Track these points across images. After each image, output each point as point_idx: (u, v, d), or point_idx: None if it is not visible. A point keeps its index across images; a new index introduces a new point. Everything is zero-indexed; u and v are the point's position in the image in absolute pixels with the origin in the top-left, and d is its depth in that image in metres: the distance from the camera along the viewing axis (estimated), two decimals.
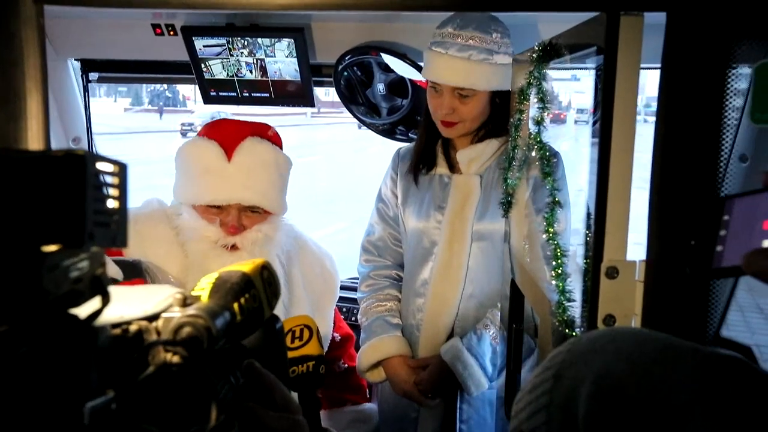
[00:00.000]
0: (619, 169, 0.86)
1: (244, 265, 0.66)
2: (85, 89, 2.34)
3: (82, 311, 0.47)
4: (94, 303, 0.49)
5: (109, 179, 0.49)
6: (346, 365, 1.79)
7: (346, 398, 1.78)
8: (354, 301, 2.25)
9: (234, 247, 1.47)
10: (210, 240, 1.46)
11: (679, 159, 0.79)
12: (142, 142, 18.43)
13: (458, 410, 1.70)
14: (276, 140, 1.58)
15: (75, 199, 0.45)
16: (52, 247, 0.45)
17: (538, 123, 1.16)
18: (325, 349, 1.68)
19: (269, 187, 1.50)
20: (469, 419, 1.70)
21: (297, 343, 0.96)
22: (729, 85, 0.78)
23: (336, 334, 1.74)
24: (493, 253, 1.67)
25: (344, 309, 2.34)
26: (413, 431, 1.77)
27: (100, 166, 0.48)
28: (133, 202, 1.53)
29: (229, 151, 1.48)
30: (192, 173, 1.49)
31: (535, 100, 1.18)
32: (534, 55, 1.15)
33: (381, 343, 1.76)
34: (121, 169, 0.50)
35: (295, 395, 0.94)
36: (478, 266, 1.70)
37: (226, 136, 1.50)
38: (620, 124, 0.85)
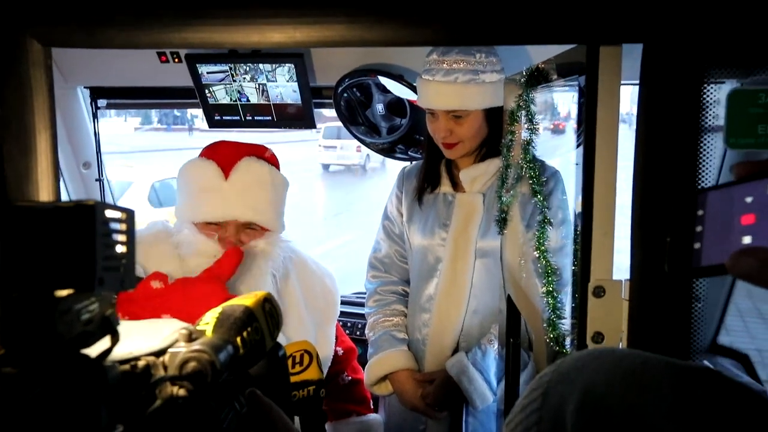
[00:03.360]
0: (603, 192, 0.88)
1: (247, 298, 0.69)
2: (94, 115, 2.38)
3: (93, 350, 0.50)
4: (104, 342, 0.51)
5: (117, 226, 0.51)
6: (350, 377, 1.81)
7: (350, 409, 1.79)
8: (359, 316, 2.27)
9: None
10: (208, 254, 1.48)
11: (658, 182, 0.81)
12: (152, 160, 18.50)
13: (464, 423, 1.72)
14: (273, 161, 1.61)
15: (85, 247, 0.47)
16: (64, 292, 0.47)
17: (528, 144, 1.19)
18: (327, 367, 1.70)
19: (265, 205, 1.53)
20: (475, 431, 1.72)
21: (297, 368, 0.98)
22: (703, 108, 0.80)
23: (339, 348, 1.76)
24: (496, 270, 1.69)
25: (348, 324, 2.36)
26: None
27: (109, 213, 0.50)
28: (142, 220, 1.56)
29: (226, 171, 1.52)
30: (191, 192, 1.52)
31: (525, 121, 1.20)
32: (522, 79, 1.18)
33: (388, 358, 1.78)
34: (129, 216, 0.53)
35: (297, 420, 0.96)
36: (482, 282, 1.72)
37: (223, 156, 1.54)
38: (603, 149, 0.87)
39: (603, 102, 0.87)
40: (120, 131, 25.70)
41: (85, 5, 0.83)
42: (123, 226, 0.52)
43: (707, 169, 0.79)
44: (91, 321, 0.50)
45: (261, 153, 1.59)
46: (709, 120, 0.78)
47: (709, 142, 0.79)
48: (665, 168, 0.81)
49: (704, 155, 0.81)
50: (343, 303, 2.44)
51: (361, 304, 2.30)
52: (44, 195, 0.82)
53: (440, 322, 1.74)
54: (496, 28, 0.79)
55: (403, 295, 1.90)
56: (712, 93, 0.79)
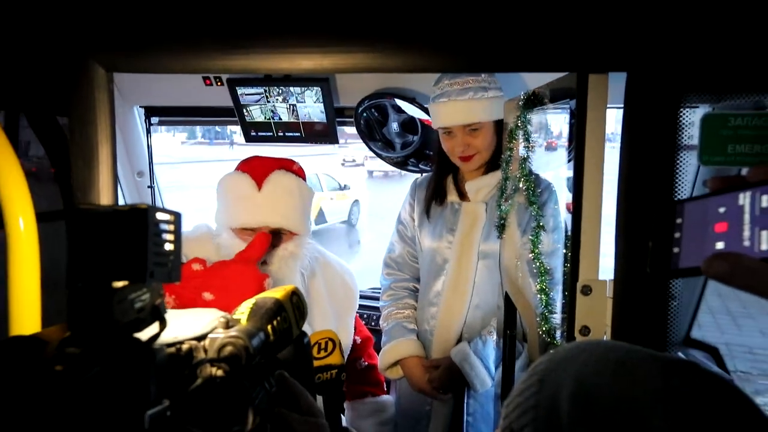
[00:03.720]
0: (590, 203, 0.88)
1: (277, 291, 0.69)
2: (148, 131, 2.41)
3: (144, 334, 0.51)
4: (154, 327, 0.52)
5: (166, 227, 0.52)
6: (366, 363, 1.82)
7: (366, 391, 1.80)
8: (375, 308, 2.27)
9: (264, 263, 1.50)
10: None
11: (639, 193, 0.81)
12: (196, 169, 18.68)
13: (466, 404, 1.71)
14: (300, 173, 1.63)
15: (139, 245, 0.48)
16: (120, 283, 0.48)
17: (525, 159, 1.18)
18: (347, 353, 1.70)
19: (293, 212, 1.55)
20: (474, 412, 1.71)
21: (322, 353, 0.98)
22: (679, 129, 0.80)
23: (357, 337, 1.77)
24: (496, 270, 1.68)
25: (365, 315, 2.36)
26: (427, 422, 1.79)
27: (159, 216, 0.51)
28: (186, 224, 1.58)
29: (259, 182, 1.53)
30: (229, 200, 1.54)
31: (522, 140, 1.20)
32: (520, 102, 1.17)
33: (399, 346, 1.79)
34: (176, 218, 0.54)
35: (320, 399, 0.96)
36: (484, 281, 1.71)
37: (256, 169, 1.56)
38: (590, 166, 0.87)
39: (591, 124, 0.87)
40: (169, 144, 25.97)
41: (143, 36, 0.85)
42: (171, 227, 0.52)
43: (683, 182, 0.78)
44: (143, 309, 0.50)
45: (289, 166, 1.60)
46: (685, 139, 0.77)
47: (684, 158, 0.78)
48: (646, 181, 0.80)
49: (680, 170, 0.80)
50: (360, 297, 2.45)
51: (377, 298, 2.31)
52: (104, 200, 0.84)
53: (446, 315, 1.74)
54: (498, 56, 0.80)
55: (413, 291, 1.90)
56: (687, 116, 0.79)
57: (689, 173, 0.78)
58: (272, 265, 1.50)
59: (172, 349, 0.55)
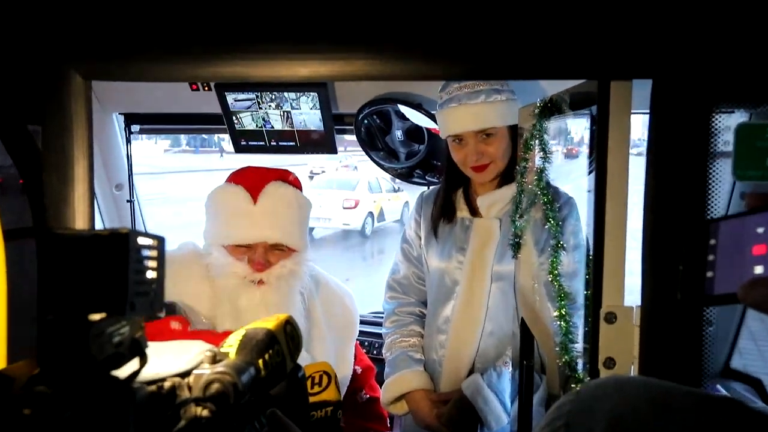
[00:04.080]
0: (614, 221, 0.88)
1: (269, 321, 0.69)
2: (128, 140, 2.43)
3: (123, 372, 0.51)
4: (133, 364, 0.52)
5: (148, 252, 0.52)
6: (368, 396, 1.80)
7: (368, 427, 1.78)
8: (376, 335, 2.26)
9: (261, 282, 1.50)
10: (238, 276, 1.50)
11: (668, 211, 0.81)
12: (181, 180, 18.76)
13: None
14: (296, 184, 1.64)
15: (118, 274, 0.49)
16: (97, 316, 0.48)
17: (542, 171, 1.19)
18: (347, 384, 1.69)
19: (292, 226, 1.55)
20: None
21: (316, 389, 0.98)
22: (711, 139, 0.80)
23: (357, 367, 1.76)
24: (512, 293, 1.67)
25: (366, 343, 2.36)
26: None
27: (141, 241, 0.51)
28: (172, 239, 1.59)
29: (254, 195, 1.54)
30: (222, 216, 1.54)
31: (539, 150, 1.21)
32: (536, 110, 1.18)
33: (404, 377, 1.77)
34: (160, 243, 0.54)
35: None
36: (498, 305, 1.70)
37: (251, 181, 1.57)
38: (613, 181, 0.87)
39: (614, 135, 0.87)
40: (150, 153, 26.11)
41: (123, 41, 0.86)
42: (154, 253, 0.53)
43: (716, 198, 0.78)
44: (121, 343, 0.50)
45: (285, 177, 1.61)
46: (718, 152, 0.78)
47: (717, 173, 0.78)
48: (675, 197, 0.81)
49: (713, 185, 0.81)
50: (360, 323, 2.44)
51: (379, 324, 2.30)
52: (80, 220, 0.84)
53: (456, 343, 1.73)
54: (510, 63, 0.80)
55: (420, 317, 1.89)
56: (720, 126, 0.79)
57: (723, 189, 0.78)
58: (270, 284, 1.51)
59: (153, 387, 0.55)
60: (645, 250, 0.82)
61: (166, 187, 16.16)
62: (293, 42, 0.82)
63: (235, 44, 0.82)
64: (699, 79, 0.77)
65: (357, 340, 1.79)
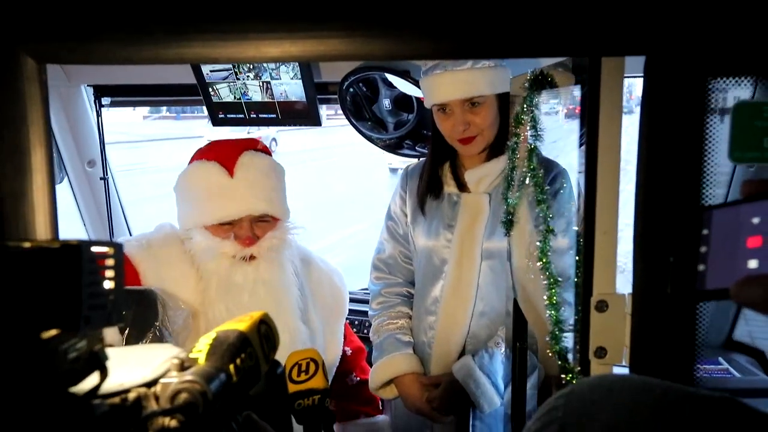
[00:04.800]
0: (605, 205, 0.87)
1: (241, 322, 0.69)
2: (98, 113, 2.40)
3: (81, 387, 0.50)
4: (94, 377, 0.52)
5: (104, 262, 0.51)
6: (358, 378, 1.82)
7: (359, 410, 1.80)
8: (366, 313, 2.27)
9: (252, 257, 1.50)
10: (228, 255, 1.50)
11: (660, 197, 0.80)
12: (162, 148, 18.61)
13: (471, 427, 1.71)
14: (267, 151, 1.63)
15: (71, 288, 0.48)
16: (51, 333, 0.48)
17: (532, 151, 1.18)
18: (336, 364, 1.70)
19: (273, 195, 1.55)
20: None
21: (303, 376, 0.98)
22: (708, 121, 0.79)
23: (347, 348, 1.77)
24: (503, 271, 1.67)
25: (356, 322, 2.36)
26: None
27: (96, 250, 0.51)
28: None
29: (230, 168, 1.53)
30: (199, 196, 1.53)
31: (530, 128, 1.19)
32: (527, 83, 1.17)
33: (393, 361, 1.78)
34: (117, 250, 0.53)
35: (300, 428, 0.96)
36: (488, 284, 1.71)
37: (223, 155, 1.55)
38: (605, 161, 0.86)
39: (605, 112, 0.86)
40: (128, 120, 25.82)
41: (79, 21, 0.83)
42: (111, 261, 0.52)
43: (712, 184, 0.78)
44: (78, 359, 0.50)
45: (255, 146, 1.60)
46: (715, 132, 0.77)
47: (713, 154, 0.77)
48: (668, 182, 0.80)
49: (708, 169, 0.80)
50: (351, 300, 2.45)
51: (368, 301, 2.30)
52: (40, 214, 0.83)
53: (446, 324, 1.74)
54: (497, 41, 0.78)
55: (407, 297, 1.89)
56: (716, 105, 0.78)
57: (720, 173, 0.78)
58: (261, 258, 1.51)
59: (117, 400, 0.55)
60: (636, 235, 0.82)
61: (147, 157, 16.04)
62: (262, 20, 0.80)
63: (198, 24, 0.79)
64: (695, 55, 0.76)
65: (347, 319, 1.80)
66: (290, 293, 1.56)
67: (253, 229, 1.52)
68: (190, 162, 1.59)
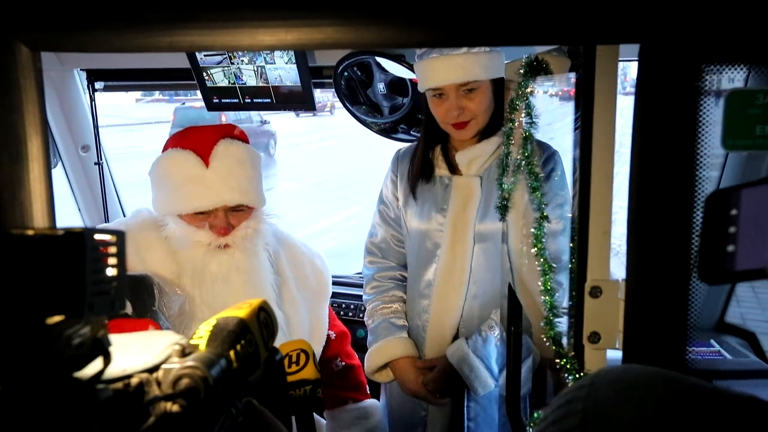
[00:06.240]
0: (600, 190, 0.89)
1: (241, 309, 0.70)
2: (92, 98, 2.39)
3: (85, 372, 0.52)
4: (98, 363, 0.53)
5: (107, 249, 0.52)
6: (344, 363, 1.80)
7: (346, 396, 1.79)
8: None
9: (227, 246, 1.51)
10: (203, 244, 1.50)
11: (654, 185, 0.81)
12: (155, 132, 18.50)
13: (466, 408, 1.74)
14: (244, 137, 1.62)
15: (75, 275, 0.49)
16: (55, 319, 0.49)
17: (526, 138, 1.18)
18: (320, 350, 1.71)
19: (249, 184, 1.55)
20: (476, 417, 1.74)
21: (294, 368, 0.99)
22: (702, 107, 0.80)
23: (331, 332, 1.77)
24: (496, 254, 1.69)
25: (352, 306, 2.38)
26: (422, 430, 1.82)
27: (99, 237, 0.52)
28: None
29: (205, 158, 1.52)
30: (174, 184, 1.52)
31: (525, 115, 1.20)
32: (521, 69, 1.17)
33: (388, 345, 1.80)
34: (119, 238, 0.54)
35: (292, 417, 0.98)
36: (481, 267, 1.72)
37: (198, 143, 1.54)
38: (599, 145, 0.87)
39: (600, 100, 0.87)
40: (121, 103, 25.64)
41: (73, 10, 0.84)
42: (113, 249, 0.53)
43: (705, 168, 0.79)
44: (82, 345, 0.51)
45: (232, 133, 1.59)
46: (708, 119, 0.78)
47: (707, 141, 0.79)
48: (662, 169, 0.81)
49: (702, 154, 0.81)
50: (345, 284, 2.46)
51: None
52: (37, 203, 0.83)
53: (440, 308, 1.75)
54: (489, 30, 0.79)
55: (401, 281, 1.90)
56: (711, 91, 0.79)
57: (715, 156, 0.79)
58: (236, 247, 1.51)
59: (119, 385, 0.56)
60: (630, 221, 0.83)
61: (140, 140, 15.95)
62: (257, 8, 0.81)
63: (192, 12, 0.80)
64: (690, 42, 0.76)
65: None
66: (265, 281, 1.56)
67: (228, 218, 1.53)
68: (165, 148, 1.58)
